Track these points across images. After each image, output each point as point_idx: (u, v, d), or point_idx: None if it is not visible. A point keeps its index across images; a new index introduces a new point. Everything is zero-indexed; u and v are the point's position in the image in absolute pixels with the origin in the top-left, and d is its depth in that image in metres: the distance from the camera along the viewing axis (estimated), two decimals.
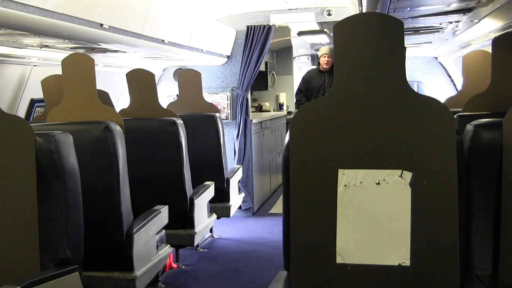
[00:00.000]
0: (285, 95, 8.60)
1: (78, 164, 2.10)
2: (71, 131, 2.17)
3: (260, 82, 7.52)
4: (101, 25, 3.11)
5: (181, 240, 3.69)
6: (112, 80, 5.08)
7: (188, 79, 4.52)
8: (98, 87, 2.88)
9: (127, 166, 2.80)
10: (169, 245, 3.21)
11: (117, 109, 3.48)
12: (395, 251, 1.64)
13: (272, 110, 8.24)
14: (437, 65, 6.84)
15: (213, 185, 4.08)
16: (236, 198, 4.68)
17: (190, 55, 4.98)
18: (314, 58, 9.26)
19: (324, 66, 5.99)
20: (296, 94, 6.22)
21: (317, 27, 6.53)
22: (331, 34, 6.74)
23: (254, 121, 5.93)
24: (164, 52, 4.55)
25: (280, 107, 8.58)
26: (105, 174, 2.67)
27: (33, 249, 1.90)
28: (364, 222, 1.67)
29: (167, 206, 3.17)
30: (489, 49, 2.58)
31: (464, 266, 1.72)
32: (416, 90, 1.75)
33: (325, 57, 5.99)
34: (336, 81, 1.70)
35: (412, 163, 1.64)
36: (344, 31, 1.68)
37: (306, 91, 6.06)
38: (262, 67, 7.18)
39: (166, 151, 3.55)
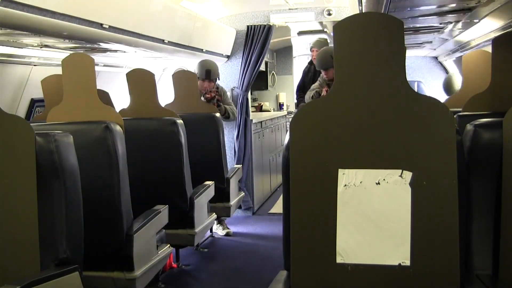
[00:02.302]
0: (285, 95, 8.60)
1: (78, 164, 2.10)
2: (71, 131, 2.17)
3: (260, 82, 7.52)
4: (101, 25, 3.11)
5: (181, 240, 3.69)
6: (112, 80, 5.08)
7: (183, 80, 4.49)
8: (98, 87, 2.88)
9: (127, 166, 2.80)
10: (169, 245, 3.21)
11: (117, 109, 3.48)
12: (395, 251, 1.64)
13: (272, 110, 8.24)
14: (437, 65, 6.85)
15: (213, 185, 4.08)
16: (236, 198, 4.68)
17: (190, 55, 4.98)
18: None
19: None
20: (296, 91, 5.88)
21: (317, 27, 6.53)
22: (331, 34, 6.74)
23: (254, 121, 5.93)
24: (165, 53, 4.55)
25: (280, 107, 8.58)
26: (105, 174, 2.67)
27: (33, 249, 1.90)
28: (364, 222, 1.67)
29: (167, 206, 3.17)
30: (489, 49, 2.58)
31: (464, 266, 1.72)
32: (416, 90, 1.75)
33: (313, 51, 5.67)
34: (336, 81, 1.70)
35: (412, 163, 1.64)
36: (344, 31, 1.68)
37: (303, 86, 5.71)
38: (262, 67, 7.18)
39: (166, 151, 3.55)
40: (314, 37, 7.09)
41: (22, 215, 1.91)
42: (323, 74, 4.79)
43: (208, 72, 4.77)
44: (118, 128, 2.71)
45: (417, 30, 4.09)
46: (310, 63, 5.83)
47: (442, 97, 4.86)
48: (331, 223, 1.68)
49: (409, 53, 6.47)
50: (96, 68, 3.01)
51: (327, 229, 1.68)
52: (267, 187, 6.62)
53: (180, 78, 4.51)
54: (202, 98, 4.69)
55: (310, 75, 5.75)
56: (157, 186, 3.54)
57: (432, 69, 6.88)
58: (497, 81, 2.39)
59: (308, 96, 4.89)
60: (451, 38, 4.55)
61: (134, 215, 2.86)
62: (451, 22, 3.52)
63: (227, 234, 5.02)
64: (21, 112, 4.03)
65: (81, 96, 2.79)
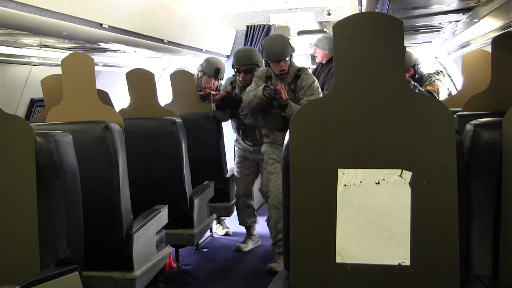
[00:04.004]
0: None
1: (78, 164, 2.10)
2: (71, 131, 2.17)
3: None
4: (101, 25, 3.11)
5: (181, 239, 3.69)
6: (111, 80, 5.08)
7: (181, 81, 4.46)
8: (98, 87, 2.88)
9: (127, 166, 2.80)
10: (169, 245, 3.21)
11: (117, 109, 3.48)
12: (395, 250, 1.64)
13: None
14: (437, 64, 6.84)
15: (213, 184, 4.07)
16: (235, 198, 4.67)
17: (189, 55, 4.98)
18: (314, 58, 9.16)
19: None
20: None
21: (317, 27, 6.53)
22: (331, 33, 6.72)
23: None
24: (164, 52, 4.55)
25: None
26: (105, 174, 2.67)
27: (32, 249, 1.90)
28: (364, 221, 1.67)
29: (167, 205, 3.17)
30: (488, 48, 2.58)
31: (464, 266, 1.72)
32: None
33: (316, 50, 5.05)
34: (336, 81, 1.70)
35: (412, 163, 1.64)
36: (344, 31, 1.68)
37: None
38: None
39: (166, 151, 3.55)
40: (314, 37, 7.07)
41: (22, 215, 1.91)
42: (273, 67, 3.86)
43: (218, 71, 4.71)
44: (118, 128, 2.71)
45: (417, 30, 4.09)
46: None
47: (442, 96, 4.85)
48: (331, 223, 1.68)
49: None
50: (96, 68, 3.00)
51: (327, 229, 1.68)
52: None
53: (178, 79, 4.49)
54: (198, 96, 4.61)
55: (322, 74, 5.60)
56: (157, 186, 3.54)
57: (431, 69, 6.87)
58: (496, 80, 2.39)
59: (247, 96, 3.80)
60: (451, 37, 4.55)
61: (134, 215, 2.86)
62: (450, 22, 3.52)
63: (227, 234, 5.02)
64: (21, 112, 4.04)
65: (81, 96, 2.79)
